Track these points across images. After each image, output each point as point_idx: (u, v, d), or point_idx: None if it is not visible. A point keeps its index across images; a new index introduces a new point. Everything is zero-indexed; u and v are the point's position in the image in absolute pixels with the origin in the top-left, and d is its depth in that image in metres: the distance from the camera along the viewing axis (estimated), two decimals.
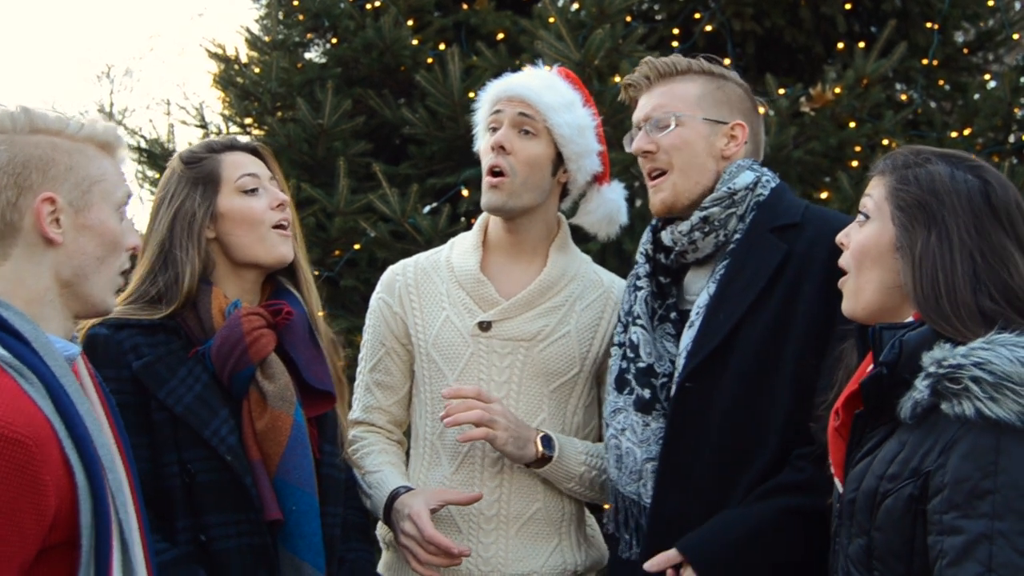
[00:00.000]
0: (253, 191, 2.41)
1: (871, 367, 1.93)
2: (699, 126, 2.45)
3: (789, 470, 2.24)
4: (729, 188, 2.41)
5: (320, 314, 2.53)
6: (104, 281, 1.88)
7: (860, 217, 2.01)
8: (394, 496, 2.50)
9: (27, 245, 1.79)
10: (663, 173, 2.46)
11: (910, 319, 1.91)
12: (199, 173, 2.40)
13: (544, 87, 2.64)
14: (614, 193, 2.75)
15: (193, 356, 2.31)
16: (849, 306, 2.03)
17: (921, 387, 1.77)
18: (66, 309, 1.85)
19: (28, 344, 1.71)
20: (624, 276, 2.80)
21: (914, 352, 1.80)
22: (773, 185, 2.45)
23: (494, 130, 2.62)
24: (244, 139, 2.52)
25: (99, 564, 1.68)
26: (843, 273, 2.07)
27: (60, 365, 1.73)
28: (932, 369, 1.77)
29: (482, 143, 2.67)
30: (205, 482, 2.25)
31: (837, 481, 2.00)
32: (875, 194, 1.99)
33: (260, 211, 2.39)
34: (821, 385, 2.18)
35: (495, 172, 2.58)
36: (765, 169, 2.49)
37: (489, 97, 2.68)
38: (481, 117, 2.71)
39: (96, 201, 1.84)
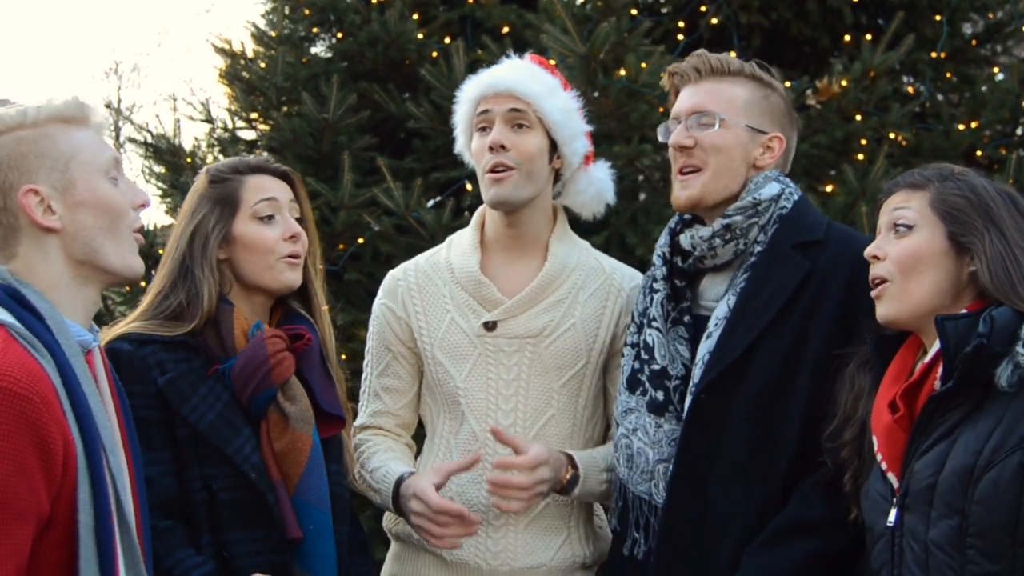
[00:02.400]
0: (269, 218, 2.42)
1: (930, 354, 2.03)
2: (740, 132, 2.42)
3: (799, 504, 2.23)
4: (754, 198, 2.39)
5: (330, 338, 2.56)
6: (118, 246, 1.89)
7: (900, 229, 2.09)
8: (399, 482, 2.51)
9: (31, 239, 1.82)
10: (695, 171, 2.43)
11: (963, 310, 2.00)
12: (220, 193, 2.42)
13: (528, 77, 2.62)
14: (601, 172, 2.75)
15: (212, 375, 2.33)
16: (893, 310, 2.08)
17: None
18: (85, 290, 1.88)
19: (43, 321, 1.75)
20: None
21: (1006, 326, 1.90)
22: (795, 198, 2.43)
23: (483, 129, 2.61)
24: (277, 164, 2.53)
25: (101, 541, 1.71)
26: (868, 287, 2.14)
27: (71, 346, 1.77)
28: None
29: (472, 144, 2.65)
30: (227, 500, 2.28)
31: (892, 476, 2.02)
32: (913, 205, 2.09)
33: (271, 241, 2.41)
34: (825, 411, 2.21)
35: (498, 170, 2.56)
36: (789, 181, 2.48)
37: (471, 96, 2.65)
38: (464, 117, 2.68)
39: (79, 175, 1.86)
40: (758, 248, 2.38)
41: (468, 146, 2.70)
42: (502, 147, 2.55)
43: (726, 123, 2.41)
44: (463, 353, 2.61)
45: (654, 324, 2.45)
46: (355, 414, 2.75)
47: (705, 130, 2.42)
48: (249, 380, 2.31)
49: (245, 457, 2.28)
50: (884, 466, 2.04)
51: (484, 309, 2.61)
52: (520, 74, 2.63)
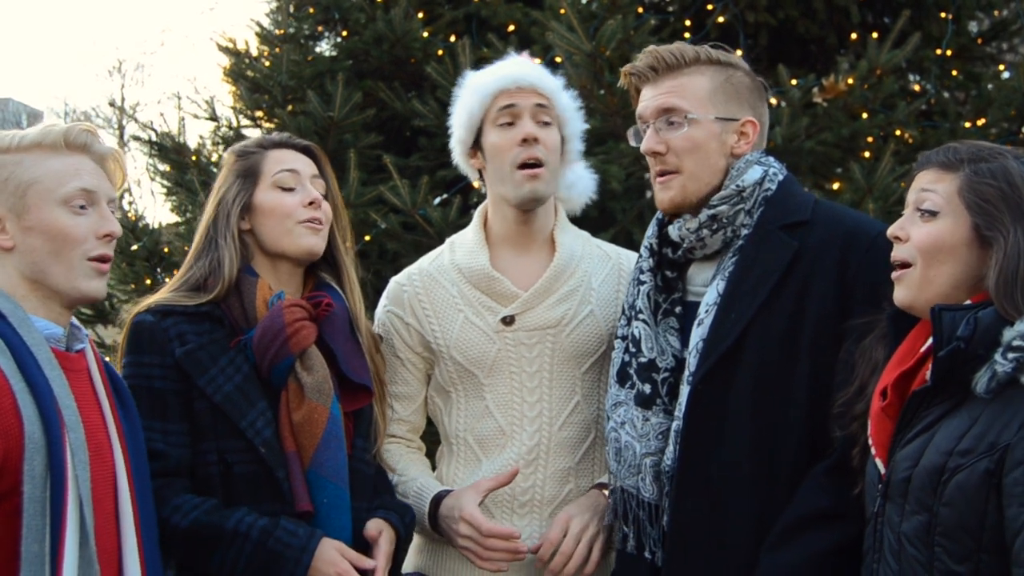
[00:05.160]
0: (289, 188, 2.45)
1: (926, 345, 1.97)
2: (711, 125, 2.37)
3: (813, 493, 2.19)
4: (738, 185, 2.35)
5: (362, 312, 2.54)
6: (67, 270, 2.00)
7: (922, 213, 2.02)
8: (437, 501, 2.51)
9: None
10: (673, 173, 2.40)
11: (968, 302, 1.95)
12: (244, 166, 2.48)
13: (546, 75, 2.67)
14: (583, 170, 2.80)
15: (235, 346, 2.34)
16: (910, 296, 2.03)
17: (1004, 361, 1.81)
18: (49, 302, 2.00)
19: (3, 318, 1.87)
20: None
21: (988, 329, 1.84)
22: (780, 178, 2.39)
23: (507, 124, 2.60)
24: (300, 140, 2.58)
25: (53, 514, 1.80)
26: (893, 266, 2.09)
27: (34, 336, 1.89)
28: (1017, 343, 1.81)
29: (494, 137, 2.62)
30: (241, 473, 2.28)
31: (879, 461, 2.01)
32: (941, 189, 2.00)
33: (291, 206, 2.43)
34: (838, 382, 2.17)
35: (532, 164, 2.57)
36: (772, 160, 2.43)
37: (491, 90, 2.63)
38: (476, 109, 2.66)
39: (34, 203, 1.98)
40: (745, 232, 2.35)
41: (468, 140, 2.69)
42: (536, 140, 2.57)
43: (695, 120, 2.36)
44: (482, 351, 2.60)
45: (640, 316, 2.44)
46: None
47: (675, 131, 2.37)
48: (267, 349, 2.31)
49: (257, 431, 2.28)
50: (873, 451, 2.02)
51: (499, 305, 2.61)
52: (540, 72, 2.67)
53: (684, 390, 2.32)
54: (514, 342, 2.60)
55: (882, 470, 2.00)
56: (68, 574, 1.78)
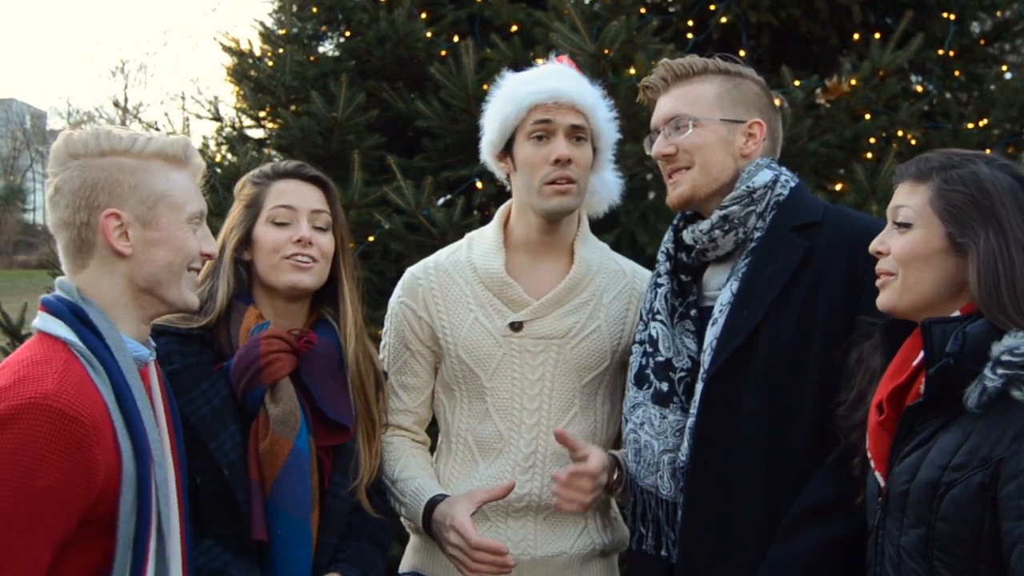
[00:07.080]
0: (283, 224, 2.48)
1: (919, 358, 1.98)
2: (717, 127, 2.46)
3: (822, 485, 2.22)
4: (748, 187, 2.42)
5: (354, 350, 2.52)
6: (179, 283, 2.05)
7: (899, 226, 2.05)
8: (432, 505, 2.52)
9: (102, 257, 1.98)
10: (683, 170, 2.48)
11: (956, 313, 1.96)
12: (250, 196, 2.53)
13: (585, 88, 2.66)
14: (611, 175, 2.81)
15: (218, 370, 2.38)
16: (891, 300, 2.06)
17: (993, 376, 1.82)
18: (140, 312, 2.04)
19: (103, 339, 1.90)
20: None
21: (978, 343, 1.85)
22: (792, 184, 2.46)
23: (540, 138, 2.60)
24: (308, 170, 2.58)
25: (136, 548, 1.84)
26: (868, 262, 2.12)
27: (127, 362, 1.92)
28: (1006, 358, 1.82)
29: (525, 150, 2.62)
30: (207, 493, 2.32)
31: (879, 475, 2.02)
32: (913, 202, 2.04)
33: (279, 242, 2.47)
34: (841, 384, 2.20)
35: (561, 182, 2.58)
36: (783, 168, 2.50)
37: (527, 103, 2.61)
38: (510, 118, 2.64)
39: (163, 214, 2.01)
40: (757, 235, 2.41)
41: (499, 144, 2.69)
42: (569, 161, 2.58)
43: (700, 122, 2.46)
44: (488, 352, 2.62)
45: (658, 317, 2.49)
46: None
47: (682, 134, 2.46)
48: (241, 377, 2.36)
49: (224, 453, 2.32)
50: (872, 464, 2.04)
51: (509, 310, 2.63)
52: (580, 86, 2.65)
53: (699, 388, 2.37)
54: (519, 348, 2.62)
55: (882, 483, 2.01)
56: None
